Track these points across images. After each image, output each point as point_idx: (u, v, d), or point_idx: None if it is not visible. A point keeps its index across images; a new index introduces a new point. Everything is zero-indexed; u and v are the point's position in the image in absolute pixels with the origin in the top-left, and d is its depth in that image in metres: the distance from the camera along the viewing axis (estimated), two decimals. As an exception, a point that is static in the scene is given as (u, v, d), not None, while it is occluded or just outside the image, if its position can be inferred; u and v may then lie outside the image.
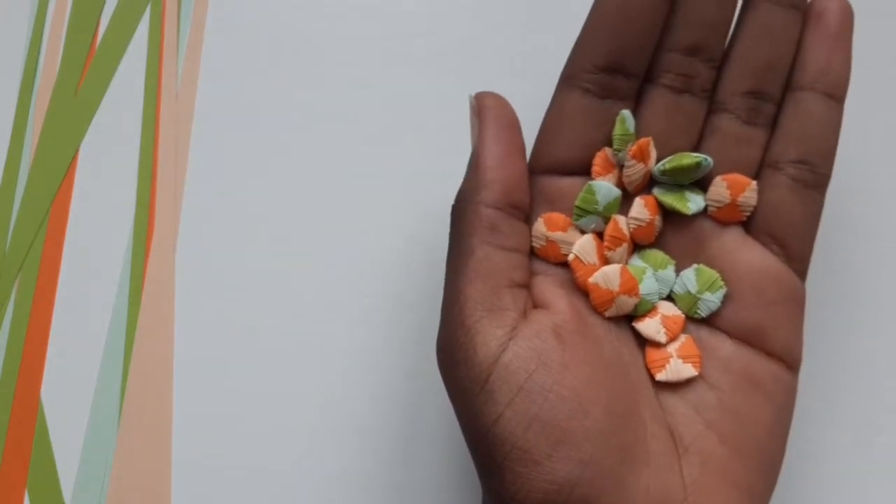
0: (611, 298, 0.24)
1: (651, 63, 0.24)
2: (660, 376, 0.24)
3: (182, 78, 0.32)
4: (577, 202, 0.24)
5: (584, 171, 0.24)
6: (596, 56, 0.23)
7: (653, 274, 0.25)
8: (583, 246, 0.24)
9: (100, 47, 0.33)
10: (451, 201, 0.31)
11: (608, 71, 0.24)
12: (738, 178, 0.24)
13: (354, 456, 0.29)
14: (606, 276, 0.24)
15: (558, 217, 0.24)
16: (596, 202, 0.24)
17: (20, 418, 0.30)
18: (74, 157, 0.32)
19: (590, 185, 0.24)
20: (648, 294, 0.24)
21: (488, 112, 0.24)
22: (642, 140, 0.24)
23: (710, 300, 0.24)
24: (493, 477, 0.22)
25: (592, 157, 0.24)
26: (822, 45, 0.24)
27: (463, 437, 0.28)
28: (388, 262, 0.31)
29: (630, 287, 0.24)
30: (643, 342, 0.25)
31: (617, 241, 0.24)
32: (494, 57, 0.32)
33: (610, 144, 0.24)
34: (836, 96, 0.24)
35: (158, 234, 0.31)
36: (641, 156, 0.24)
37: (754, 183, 0.24)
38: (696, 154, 0.24)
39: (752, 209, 0.24)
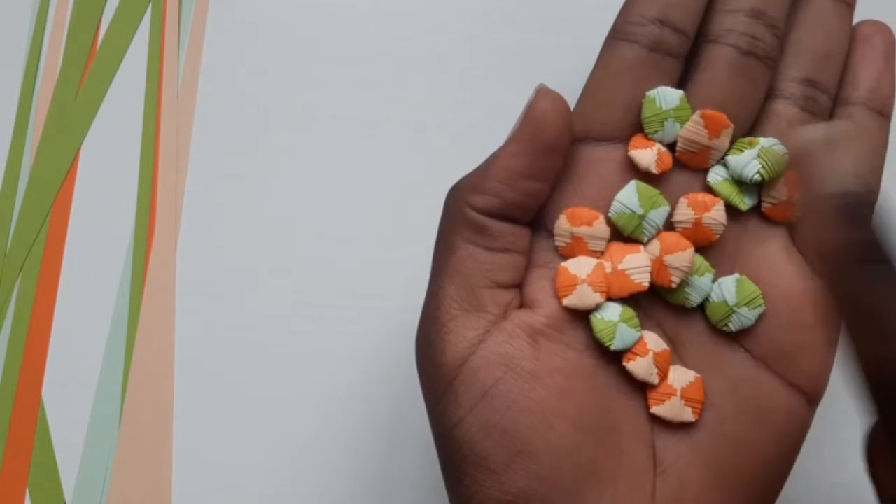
0: (573, 284, 0.22)
1: (714, 25, 0.23)
2: (655, 409, 0.22)
3: (183, 78, 0.33)
4: (644, 115, 0.22)
5: (622, 136, 0.23)
6: (645, 8, 0.23)
7: (625, 328, 0.22)
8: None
9: (101, 48, 0.33)
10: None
11: (657, 23, 0.22)
12: (794, 174, 0.23)
13: (356, 456, 0.29)
14: (578, 264, 0.22)
15: (583, 211, 0.23)
16: (660, 109, 0.22)
17: (21, 418, 0.30)
18: (76, 158, 0.32)
19: (647, 95, 0.22)
20: (623, 340, 0.22)
21: (532, 122, 0.22)
22: (717, 113, 0.23)
23: (746, 316, 0.23)
24: (451, 478, 0.21)
25: (634, 120, 0.23)
26: (872, 64, 0.24)
27: None
28: (388, 261, 0.31)
29: (597, 281, 0.22)
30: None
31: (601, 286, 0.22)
32: (495, 57, 0.32)
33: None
34: (885, 115, 0.24)
35: (159, 235, 0.31)
36: (714, 128, 0.23)
37: None
38: (783, 147, 0.23)
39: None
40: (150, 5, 0.33)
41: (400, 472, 0.29)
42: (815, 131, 0.18)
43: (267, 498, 0.29)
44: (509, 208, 0.22)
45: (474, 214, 0.22)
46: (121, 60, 0.33)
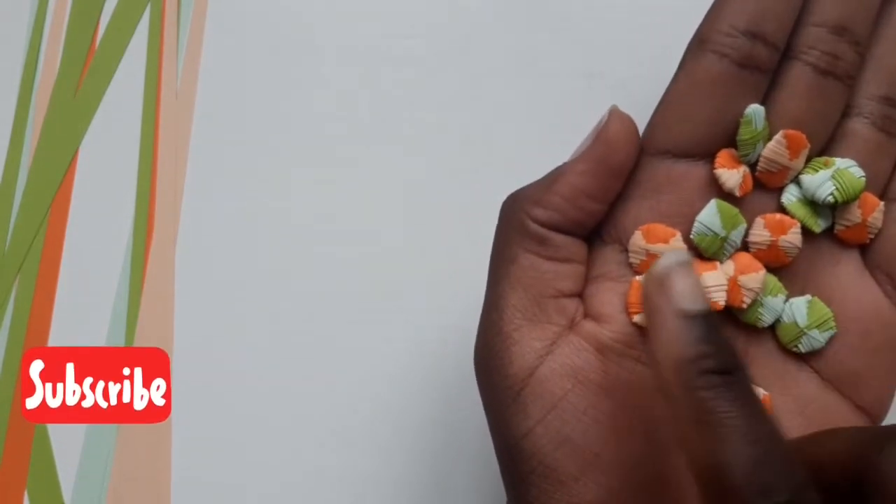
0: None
1: (797, 38, 0.22)
2: None
3: (182, 77, 0.32)
4: (740, 137, 0.22)
5: (704, 153, 0.22)
6: (736, 17, 0.22)
7: None
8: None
9: (99, 47, 0.33)
10: (452, 202, 0.31)
11: (748, 35, 0.21)
12: (869, 196, 0.23)
13: (355, 456, 0.29)
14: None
15: (658, 228, 0.22)
16: (755, 130, 0.22)
17: (20, 418, 0.30)
18: (74, 157, 0.32)
19: (745, 115, 0.22)
20: None
21: (604, 144, 0.22)
22: (798, 133, 0.22)
23: (816, 338, 0.22)
24: (518, 489, 0.21)
25: (718, 137, 0.22)
26: None
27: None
28: (388, 261, 0.30)
29: None
30: None
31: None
32: (496, 56, 0.32)
33: (733, 142, 0.22)
34: None
35: (158, 234, 0.31)
36: (795, 149, 0.22)
37: (882, 204, 0.23)
38: (860, 170, 0.22)
39: (877, 231, 0.23)
40: (149, 4, 0.33)
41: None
42: (667, 259, 0.19)
43: (267, 499, 0.29)
44: (568, 224, 0.22)
45: (535, 226, 0.22)
46: (120, 59, 0.33)
